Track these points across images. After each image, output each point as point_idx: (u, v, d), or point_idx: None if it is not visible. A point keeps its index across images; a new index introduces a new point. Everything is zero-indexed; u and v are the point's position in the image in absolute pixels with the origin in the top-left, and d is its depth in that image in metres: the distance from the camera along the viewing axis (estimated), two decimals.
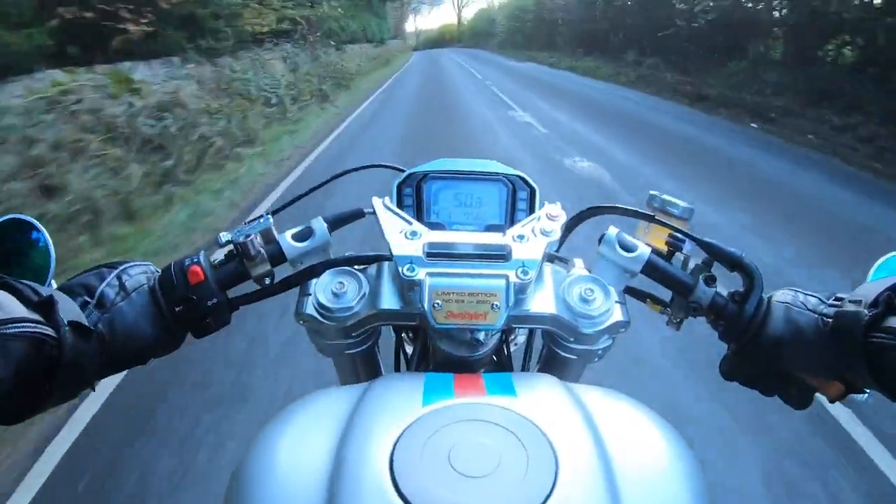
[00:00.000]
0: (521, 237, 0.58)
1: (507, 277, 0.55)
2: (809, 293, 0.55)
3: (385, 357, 0.72)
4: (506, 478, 0.39)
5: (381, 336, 0.70)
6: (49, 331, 0.42)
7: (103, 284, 0.52)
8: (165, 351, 0.57)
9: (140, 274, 0.55)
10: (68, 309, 0.45)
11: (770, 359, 0.56)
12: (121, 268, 0.55)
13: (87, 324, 0.46)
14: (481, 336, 0.55)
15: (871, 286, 0.46)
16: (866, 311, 0.44)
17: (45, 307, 0.43)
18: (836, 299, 0.50)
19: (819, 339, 0.51)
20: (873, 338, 0.43)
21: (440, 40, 61.33)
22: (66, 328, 0.43)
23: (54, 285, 0.54)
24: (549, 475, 0.39)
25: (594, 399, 0.49)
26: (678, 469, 0.43)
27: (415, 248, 0.56)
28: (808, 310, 0.52)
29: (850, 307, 0.46)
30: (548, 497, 0.37)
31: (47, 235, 0.58)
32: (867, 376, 0.44)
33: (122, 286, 0.53)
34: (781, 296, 0.56)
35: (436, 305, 0.54)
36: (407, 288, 0.55)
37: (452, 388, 0.48)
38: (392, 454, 0.40)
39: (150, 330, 0.53)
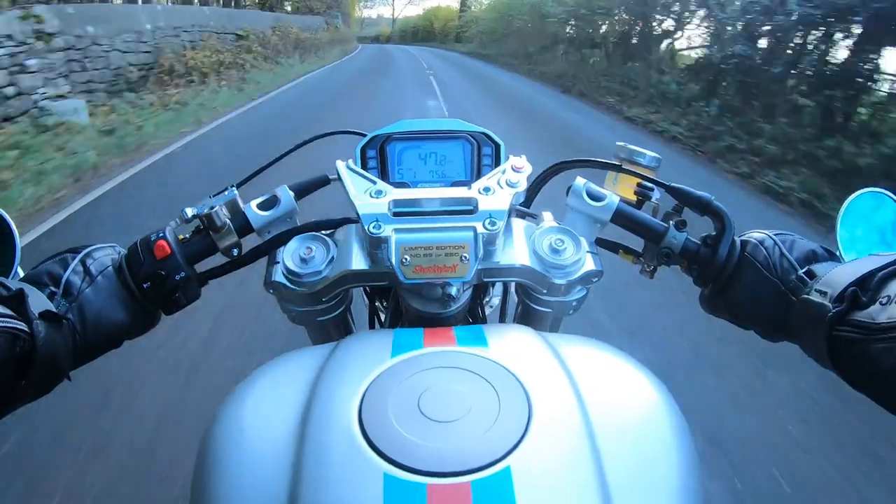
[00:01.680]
0: (486, 189, 0.57)
1: (474, 229, 0.54)
2: (783, 248, 0.55)
3: (360, 326, 0.72)
4: (477, 422, 0.38)
5: (355, 303, 0.70)
6: (21, 325, 0.41)
7: (68, 272, 0.51)
8: (140, 331, 0.56)
9: (104, 256, 0.54)
10: (37, 301, 0.44)
11: (742, 311, 0.57)
12: (84, 252, 0.53)
13: (58, 315, 0.45)
14: (453, 291, 0.55)
15: (840, 273, 0.46)
16: (831, 306, 0.44)
17: (16, 301, 0.42)
18: (808, 273, 0.51)
19: (786, 314, 0.52)
20: (837, 331, 0.43)
21: (426, 33, 47.22)
22: (39, 321, 0.42)
23: (21, 274, 0.53)
24: (522, 418, 0.39)
25: (568, 346, 0.49)
26: (656, 412, 0.43)
27: (380, 207, 0.55)
28: (779, 278, 0.53)
29: (816, 297, 0.47)
30: (520, 440, 0.37)
31: (12, 223, 0.56)
32: (826, 360, 0.45)
33: (86, 271, 0.52)
34: (754, 249, 0.56)
35: (404, 261, 0.53)
36: (374, 246, 0.54)
37: (422, 339, 0.48)
38: (360, 404, 0.40)
39: (121, 312, 0.52)
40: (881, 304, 0.41)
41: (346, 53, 22.89)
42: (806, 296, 0.48)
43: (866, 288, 0.43)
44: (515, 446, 0.36)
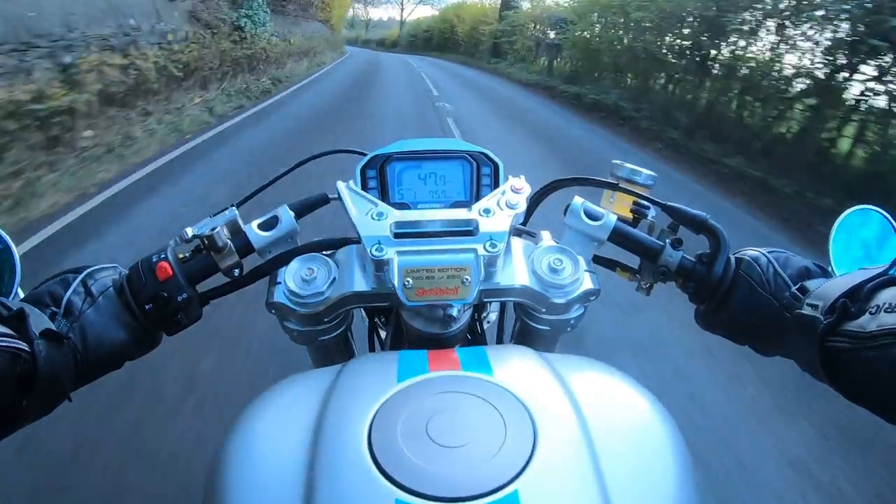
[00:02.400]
0: (487, 211, 0.58)
1: (475, 251, 0.55)
2: (776, 266, 0.56)
3: (359, 344, 0.72)
4: (484, 447, 0.39)
5: (355, 322, 0.70)
6: (22, 345, 0.41)
7: (69, 292, 0.51)
8: (141, 352, 0.56)
9: (105, 277, 0.54)
10: (38, 321, 0.44)
11: (737, 327, 0.58)
12: (85, 272, 0.53)
13: (59, 334, 0.45)
14: (454, 312, 0.55)
15: (831, 286, 0.48)
16: (822, 318, 0.45)
17: (16, 320, 0.42)
18: (800, 289, 0.52)
19: (780, 330, 0.53)
20: (830, 342, 0.44)
21: (443, 40, 32.71)
22: (39, 340, 0.42)
23: (21, 295, 0.53)
24: (528, 442, 0.39)
25: (570, 367, 0.49)
26: (657, 434, 0.44)
27: (382, 229, 0.55)
28: (772, 295, 0.54)
29: (808, 311, 0.48)
30: (527, 464, 0.38)
31: (12, 243, 0.56)
32: (821, 373, 0.46)
33: (87, 291, 0.52)
34: (748, 267, 0.57)
35: (406, 283, 0.54)
36: (376, 268, 0.55)
37: (427, 363, 0.48)
38: (370, 429, 0.40)
39: (122, 332, 0.52)
40: (870, 313, 0.42)
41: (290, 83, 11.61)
42: (799, 310, 0.50)
43: (856, 299, 0.44)
44: (522, 470, 0.37)
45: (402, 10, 55.22)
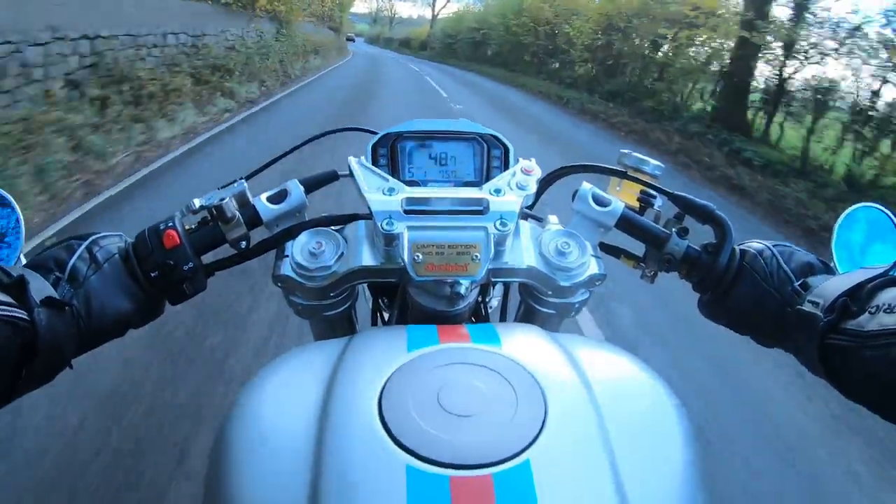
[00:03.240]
0: (497, 191, 0.58)
1: (486, 229, 0.55)
2: (780, 259, 0.56)
3: (362, 323, 0.72)
4: (496, 416, 0.39)
5: (358, 302, 0.70)
6: (22, 313, 0.40)
7: (74, 258, 0.50)
8: (144, 320, 0.55)
9: (111, 244, 0.54)
10: (39, 288, 0.44)
11: (739, 318, 0.59)
12: (90, 239, 0.53)
13: (61, 301, 0.45)
14: (462, 289, 0.55)
15: (832, 284, 0.49)
16: (823, 316, 0.46)
17: (16, 288, 0.41)
18: (802, 285, 0.53)
19: (781, 323, 0.53)
20: (828, 339, 0.45)
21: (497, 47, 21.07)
22: (40, 308, 0.41)
23: (23, 261, 0.52)
24: (539, 413, 0.39)
25: (577, 345, 0.50)
26: (664, 411, 0.44)
27: (393, 204, 0.55)
28: (775, 289, 0.55)
29: (809, 307, 0.49)
30: (538, 434, 0.38)
31: (17, 206, 0.55)
32: (819, 369, 0.47)
33: (93, 258, 0.51)
34: (752, 259, 0.58)
35: (416, 258, 0.54)
36: (386, 243, 0.55)
37: (437, 336, 0.48)
38: (380, 398, 0.40)
39: (126, 300, 0.52)
40: (870, 313, 0.43)
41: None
42: (799, 306, 0.50)
43: (856, 298, 0.45)
44: (534, 440, 0.37)
45: (434, 5, 47.65)
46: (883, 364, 0.41)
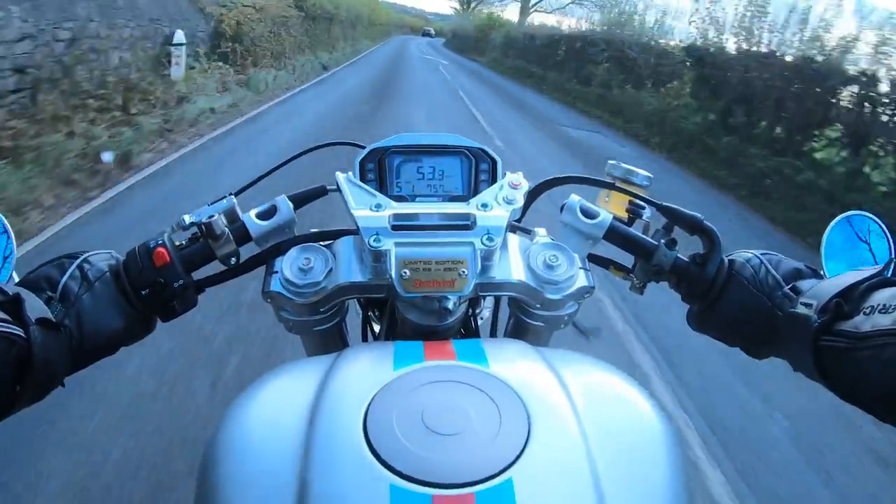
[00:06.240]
0: (484, 205, 0.58)
1: (473, 244, 0.55)
2: (769, 266, 0.56)
3: (353, 335, 0.72)
4: (479, 435, 0.39)
5: (349, 315, 0.70)
6: (18, 330, 0.40)
7: (65, 277, 0.50)
8: (136, 337, 0.56)
9: (101, 262, 0.54)
10: (33, 306, 0.44)
11: (729, 327, 0.59)
12: (82, 257, 0.53)
13: (54, 321, 0.45)
14: (450, 304, 0.56)
15: (825, 286, 0.49)
16: (816, 317, 0.46)
17: (12, 306, 0.41)
18: (793, 289, 0.53)
19: (772, 328, 0.53)
20: (822, 341, 0.45)
21: None
22: (35, 326, 0.42)
23: (15, 279, 0.52)
24: (523, 433, 0.40)
25: (564, 361, 0.50)
26: (650, 429, 0.44)
27: (380, 220, 0.56)
28: (766, 294, 0.55)
29: (802, 310, 0.48)
30: (521, 453, 0.38)
31: (8, 226, 0.56)
32: (813, 371, 0.47)
33: (84, 276, 0.52)
34: (741, 267, 0.58)
35: (403, 275, 0.54)
36: (374, 259, 0.55)
37: (423, 353, 0.48)
38: (365, 416, 0.40)
39: (118, 318, 0.52)
40: (864, 313, 0.43)
41: None
42: (792, 309, 0.50)
43: (850, 299, 0.45)
44: (516, 459, 0.37)
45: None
46: (878, 365, 0.41)
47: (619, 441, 0.42)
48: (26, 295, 0.44)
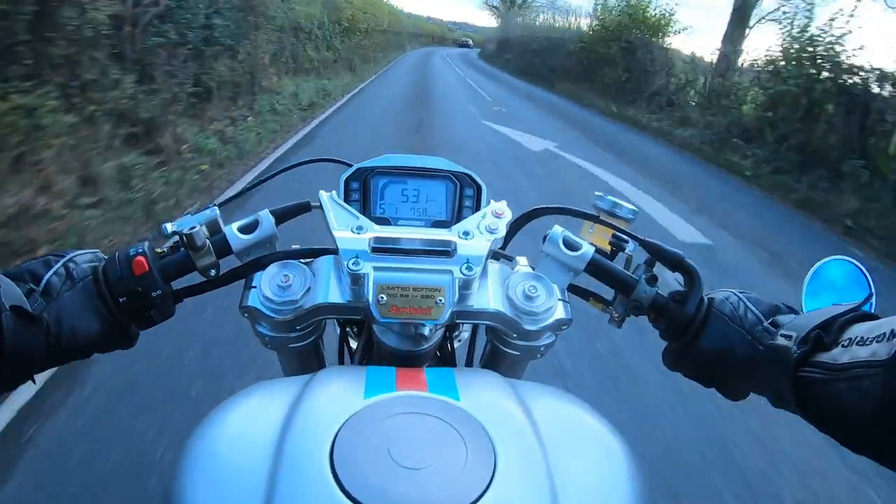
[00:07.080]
0: (466, 234, 0.58)
1: (451, 273, 0.55)
2: (748, 303, 0.56)
3: (329, 352, 0.72)
4: (445, 470, 0.39)
5: (326, 331, 0.70)
6: None
7: (50, 272, 0.50)
8: (113, 345, 0.55)
9: (87, 263, 0.54)
10: (11, 293, 0.44)
11: (706, 364, 0.59)
12: (69, 256, 0.53)
13: (30, 309, 0.45)
14: (426, 331, 0.55)
15: (804, 319, 0.49)
16: (796, 348, 0.46)
17: None
18: (773, 324, 0.53)
19: (752, 362, 0.53)
20: (802, 372, 0.45)
21: None
22: (8, 312, 0.42)
23: None
24: (488, 469, 0.39)
25: (534, 395, 0.50)
26: (616, 466, 0.44)
27: (360, 243, 0.56)
28: (745, 329, 0.55)
29: (782, 341, 0.49)
30: (486, 490, 0.38)
31: None
32: (793, 404, 0.47)
33: (69, 274, 0.52)
34: (720, 304, 0.58)
35: (380, 299, 0.54)
36: (352, 282, 0.55)
37: (394, 381, 0.48)
38: (333, 446, 0.40)
39: (95, 321, 0.52)
40: (843, 346, 0.43)
41: None
42: (772, 341, 0.50)
43: (829, 332, 0.45)
44: (481, 496, 0.37)
45: None
46: (856, 396, 0.41)
47: (584, 480, 0.42)
48: (5, 282, 0.44)
